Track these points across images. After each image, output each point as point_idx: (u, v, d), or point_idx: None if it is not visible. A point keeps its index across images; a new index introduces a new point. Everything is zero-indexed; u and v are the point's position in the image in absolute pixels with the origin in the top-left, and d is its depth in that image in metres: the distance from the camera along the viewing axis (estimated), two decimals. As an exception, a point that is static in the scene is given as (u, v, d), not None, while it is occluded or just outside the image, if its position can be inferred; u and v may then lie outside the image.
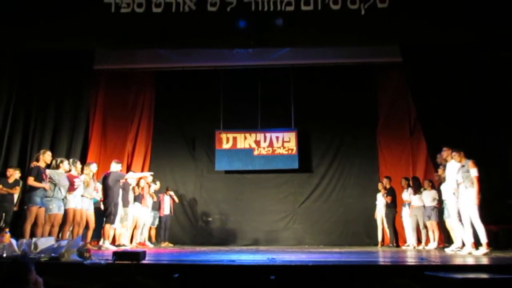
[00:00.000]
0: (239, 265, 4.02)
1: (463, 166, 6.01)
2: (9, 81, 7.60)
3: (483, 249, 5.71)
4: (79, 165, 7.14)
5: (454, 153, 6.13)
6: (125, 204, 7.82)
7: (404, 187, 8.69)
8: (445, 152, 6.40)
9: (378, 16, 6.50)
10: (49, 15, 6.57)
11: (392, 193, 8.81)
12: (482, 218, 5.83)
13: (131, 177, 7.93)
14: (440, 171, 7.05)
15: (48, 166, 6.68)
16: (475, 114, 7.55)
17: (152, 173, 8.78)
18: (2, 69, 7.49)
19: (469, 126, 7.45)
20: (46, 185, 6.35)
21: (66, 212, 6.74)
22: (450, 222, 6.77)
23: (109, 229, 7.28)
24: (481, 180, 5.98)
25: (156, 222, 9.26)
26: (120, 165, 7.61)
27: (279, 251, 6.93)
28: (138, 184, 8.40)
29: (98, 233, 7.62)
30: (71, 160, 7.19)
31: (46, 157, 6.57)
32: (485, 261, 4.73)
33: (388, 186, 8.92)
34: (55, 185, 6.51)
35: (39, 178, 6.30)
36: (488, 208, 6.35)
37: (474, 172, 5.85)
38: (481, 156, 6.38)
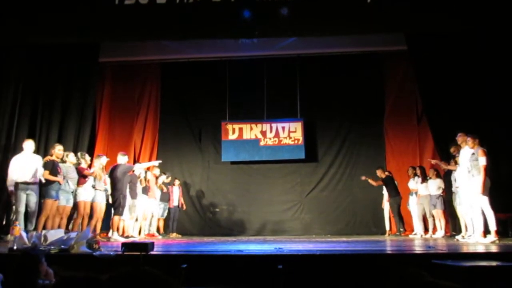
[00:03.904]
0: (247, 255, 4.05)
1: (473, 154, 5.97)
2: (16, 75, 7.63)
3: (492, 236, 5.68)
4: (87, 157, 7.21)
5: (469, 138, 6.07)
6: (133, 196, 7.88)
7: (410, 176, 8.67)
8: (460, 138, 6.33)
9: (384, 3, 6.43)
10: (53, 8, 6.56)
11: (390, 182, 8.82)
12: (491, 206, 5.80)
13: (139, 168, 7.97)
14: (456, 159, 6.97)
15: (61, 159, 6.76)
16: (482, 103, 7.47)
17: (160, 161, 8.70)
18: (9, 63, 7.53)
19: (476, 115, 7.38)
20: (60, 178, 6.46)
21: (77, 204, 6.84)
22: (461, 209, 6.74)
23: (118, 220, 7.34)
24: (490, 169, 5.94)
25: (165, 214, 9.32)
26: (126, 157, 7.66)
27: (286, 240, 6.96)
28: (145, 176, 8.45)
29: (107, 225, 7.69)
30: (79, 153, 7.26)
31: (57, 151, 6.65)
32: (492, 248, 4.72)
33: (383, 176, 8.94)
34: (63, 177, 6.59)
35: (54, 172, 6.41)
36: (497, 196, 6.31)
37: (482, 161, 5.80)
38: (489, 144, 6.31)
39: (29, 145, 6.61)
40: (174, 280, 1.17)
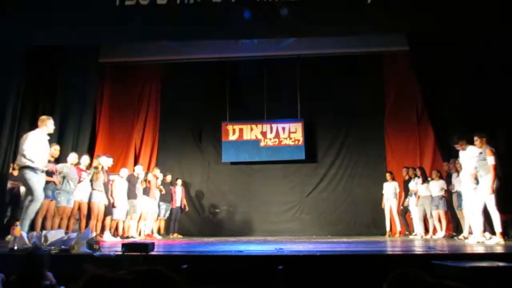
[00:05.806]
0: (247, 255, 4.05)
1: (480, 153, 5.80)
2: (18, 75, 7.63)
3: (497, 238, 5.58)
4: (87, 159, 7.19)
5: (476, 137, 5.89)
6: (132, 196, 7.88)
7: (410, 177, 8.68)
8: (463, 144, 6.16)
9: (384, 4, 6.43)
10: (54, 9, 6.56)
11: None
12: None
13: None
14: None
15: (57, 159, 6.73)
16: (483, 102, 7.45)
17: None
18: (10, 64, 7.52)
19: (477, 114, 7.36)
20: (56, 179, 6.40)
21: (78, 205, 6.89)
22: (466, 210, 6.69)
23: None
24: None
25: (167, 214, 9.29)
26: (111, 159, 7.77)
27: (286, 241, 6.96)
28: (145, 177, 8.46)
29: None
30: (85, 155, 7.29)
31: (53, 151, 6.58)
32: (493, 249, 4.71)
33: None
34: (63, 178, 6.58)
35: (48, 173, 6.35)
36: (496, 197, 6.30)
37: (491, 160, 5.65)
38: (490, 143, 6.29)
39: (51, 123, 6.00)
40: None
